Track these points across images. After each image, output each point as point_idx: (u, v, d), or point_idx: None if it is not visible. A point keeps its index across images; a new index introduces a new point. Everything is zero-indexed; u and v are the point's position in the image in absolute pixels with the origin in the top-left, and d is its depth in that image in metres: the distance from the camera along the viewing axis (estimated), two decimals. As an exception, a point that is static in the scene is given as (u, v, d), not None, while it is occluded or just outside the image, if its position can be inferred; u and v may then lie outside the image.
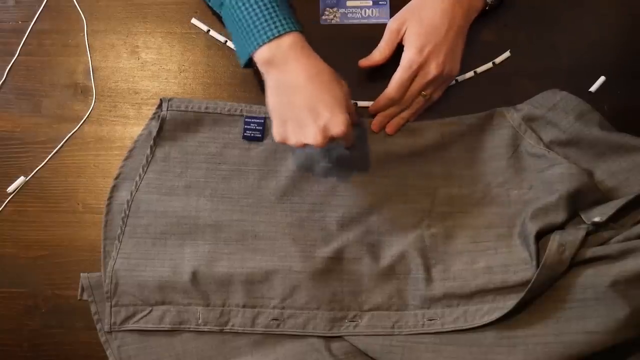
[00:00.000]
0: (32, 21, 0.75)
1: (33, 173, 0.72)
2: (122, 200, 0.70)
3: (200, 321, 0.67)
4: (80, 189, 0.72)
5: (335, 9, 0.75)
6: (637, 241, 0.61)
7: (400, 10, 0.69)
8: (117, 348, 0.67)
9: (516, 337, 0.63)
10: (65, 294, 0.69)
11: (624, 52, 0.74)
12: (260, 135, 0.71)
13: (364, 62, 0.70)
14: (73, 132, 0.73)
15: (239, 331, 0.67)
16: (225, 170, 0.71)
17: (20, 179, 0.71)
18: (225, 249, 0.68)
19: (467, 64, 0.71)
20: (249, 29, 0.63)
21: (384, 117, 0.71)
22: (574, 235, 0.63)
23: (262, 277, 0.67)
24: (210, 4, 0.70)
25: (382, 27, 0.70)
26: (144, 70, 0.74)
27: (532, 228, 0.65)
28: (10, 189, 0.71)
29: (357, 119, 0.70)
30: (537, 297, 0.64)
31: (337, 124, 0.61)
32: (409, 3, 0.69)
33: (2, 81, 0.74)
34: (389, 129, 0.71)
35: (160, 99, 0.72)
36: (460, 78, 0.73)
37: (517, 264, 0.66)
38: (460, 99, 0.73)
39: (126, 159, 0.71)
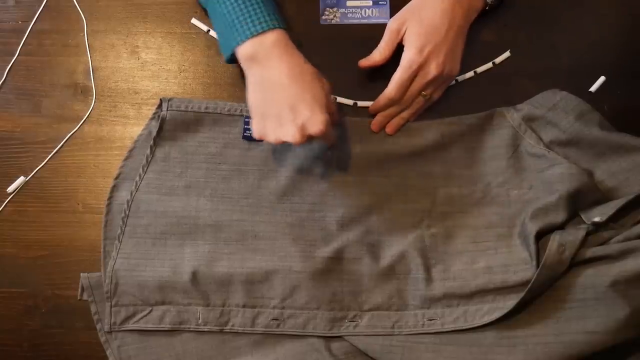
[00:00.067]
0: (32, 21, 0.75)
1: (33, 173, 0.72)
2: (122, 200, 0.70)
3: (200, 321, 0.67)
4: (80, 189, 0.72)
5: (335, 9, 0.75)
6: (637, 241, 0.61)
7: (400, 11, 0.69)
8: (117, 348, 0.67)
9: (516, 337, 0.63)
10: (65, 294, 0.69)
11: (624, 52, 0.74)
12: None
13: (364, 62, 0.70)
14: (73, 132, 0.73)
15: (239, 331, 0.67)
16: (225, 170, 0.71)
17: (20, 179, 0.72)
18: (225, 249, 0.68)
19: (467, 64, 0.71)
20: (233, 24, 0.63)
21: (384, 117, 0.71)
22: (574, 235, 0.63)
23: (262, 277, 0.67)
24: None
25: (382, 27, 0.70)
26: (144, 70, 0.74)
27: (532, 228, 0.65)
28: (10, 189, 0.71)
29: (339, 118, 0.70)
30: (537, 297, 0.64)
31: (316, 123, 0.60)
32: (409, 3, 0.69)
33: (2, 81, 0.74)
34: (389, 129, 0.71)
35: (160, 99, 0.72)
36: (460, 78, 0.73)
37: (517, 264, 0.66)
38: (460, 99, 0.73)
39: (126, 159, 0.71)
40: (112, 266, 0.68)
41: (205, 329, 0.67)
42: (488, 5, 0.71)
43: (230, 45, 0.64)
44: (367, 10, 0.75)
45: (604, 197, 0.66)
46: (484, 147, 0.71)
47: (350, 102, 0.73)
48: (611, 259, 0.62)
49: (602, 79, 0.73)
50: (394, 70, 0.68)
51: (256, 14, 0.62)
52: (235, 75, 0.74)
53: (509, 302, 0.64)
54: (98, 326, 0.68)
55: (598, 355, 0.60)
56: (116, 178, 0.70)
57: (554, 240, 0.63)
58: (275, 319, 0.67)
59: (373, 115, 0.72)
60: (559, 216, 0.65)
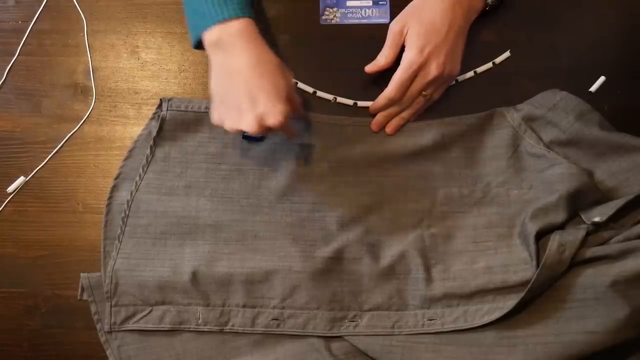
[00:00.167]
0: (32, 21, 0.75)
1: (33, 173, 0.72)
2: (122, 200, 0.70)
3: (200, 321, 0.67)
4: (80, 189, 0.72)
5: (335, 9, 0.75)
6: (637, 241, 0.61)
7: (401, 12, 0.69)
8: (117, 348, 0.67)
9: (516, 337, 0.63)
10: (65, 294, 0.69)
11: (624, 52, 0.74)
12: (260, 135, 0.70)
13: (370, 67, 0.70)
14: (73, 132, 0.73)
15: (239, 331, 0.67)
16: (225, 170, 0.71)
17: (20, 179, 0.72)
18: (225, 249, 0.68)
19: (467, 64, 0.71)
20: (201, 10, 0.63)
21: (384, 117, 0.71)
22: (574, 235, 0.63)
23: (262, 277, 0.67)
24: None
25: (382, 27, 0.70)
26: (144, 70, 0.74)
27: (532, 228, 0.65)
28: (10, 189, 0.71)
29: (304, 112, 0.70)
30: (537, 297, 0.64)
31: (274, 115, 0.60)
32: (410, 4, 0.69)
33: (2, 81, 0.74)
34: (389, 129, 0.71)
35: (160, 99, 0.72)
36: (460, 78, 0.73)
37: (517, 264, 0.66)
38: (460, 99, 0.73)
39: (126, 159, 0.71)
40: (112, 266, 0.68)
41: (205, 329, 0.67)
42: (488, 5, 0.71)
43: (197, 30, 0.64)
44: (367, 10, 0.75)
45: (604, 197, 0.66)
46: (484, 147, 0.71)
47: (350, 102, 0.73)
48: (611, 259, 0.62)
49: (602, 79, 0.73)
50: (394, 70, 0.68)
51: (225, 1, 0.62)
52: (235, 75, 0.74)
53: (509, 302, 0.64)
54: (98, 326, 0.68)
55: (598, 355, 0.60)
56: (116, 178, 0.70)
57: (554, 240, 0.63)
58: (275, 319, 0.67)
59: (373, 115, 0.72)
60: (559, 216, 0.65)
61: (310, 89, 0.73)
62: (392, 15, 0.72)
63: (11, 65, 0.74)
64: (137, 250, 0.68)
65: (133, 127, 0.73)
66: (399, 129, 0.71)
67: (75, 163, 0.72)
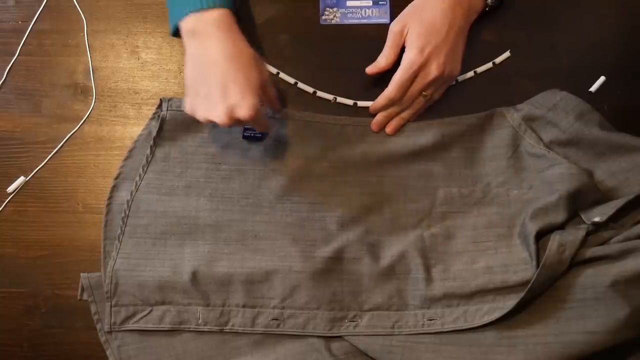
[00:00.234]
0: (32, 21, 0.75)
1: (33, 173, 0.72)
2: (122, 200, 0.70)
3: (200, 321, 0.67)
4: (80, 189, 0.72)
5: (335, 9, 0.75)
6: (637, 241, 0.61)
7: (402, 12, 0.69)
8: (117, 348, 0.67)
9: (516, 337, 0.63)
10: (65, 294, 0.69)
11: (624, 52, 0.74)
12: (260, 135, 0.70)
13: (371, 69, 0.70)
14: (73, 132, 0.73)
15: (239, 331, 0.67)
16: (225, 170, 0.71)
17: (20, 179, 0.71)
18: (225, 249, 0.68)
19: (467, 64, 0.71)
20: None
21: (384, 117, 0.71)
22: (574, 235, 0.63)
23: (262, 277, 0.67)
24: None
25: (382, 27, 0.70)
26: (144, 70, 0.74)
27: (532, 228, 0.65)
28: (10, 189, 0.71)
29: (279, 107, 0.70)
30: (537, 297, 0.64)
31: (245, 108, 0.60)
32: (410, 4, 0.69)
33: (2, 81, 0.74)
34: (389, 129, 0.71)
35: (160, 99, 0.72)
36: (460, 78, 0.73)
37: (517, 264, 0.66)
38: (460, 99, 0.73)
39: (126, 159, 0.71)
40: (112, 266, 0.68)
41: (205, 329, 0.67)
42: (488, 5, 0.71)
43: (175, 18, 0.64)
44: (367, 10, 0.75)
45: (604, 197, 0.66)
46: (484, 147, 0.71)
47: (350, 102, 0.73)
48: (611, 259, 0.62)
49: (602, 79, 0.73)
50: (395, 70, 0.68)
51: None
52: (235, 75, 0.74)
53: (509, 302, 0.64)
54: (98, 326, 0.68)
55: (598, 355, 0.60)
56: (116, 178, 0.70)
57: (554, 240, 0.63)
58: (275, 319, 0.67)
59: (373, 115, 0.72)
60: (559, 216, 0.65)
61: (310, 89, 0.73)
62: (392, 15, 0.72)
63: (11, 65, 0.74)
64: (137, 250, 0.68)
65: (133, 127, 0.73)
66: (399, 129, 0.71)
67: (75, 163, 0.72)
